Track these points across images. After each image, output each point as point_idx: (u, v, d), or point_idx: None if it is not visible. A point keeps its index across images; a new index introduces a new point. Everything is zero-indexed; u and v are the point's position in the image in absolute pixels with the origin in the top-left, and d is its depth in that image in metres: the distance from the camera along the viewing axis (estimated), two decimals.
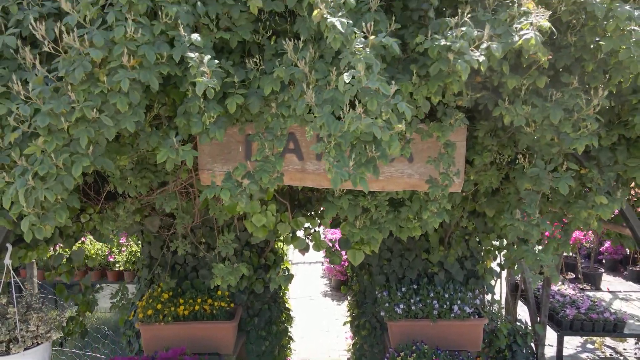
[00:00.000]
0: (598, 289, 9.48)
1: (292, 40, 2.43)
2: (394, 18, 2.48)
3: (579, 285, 8.65)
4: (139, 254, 6.74)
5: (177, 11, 2.14)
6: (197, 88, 1.95)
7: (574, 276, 9.89)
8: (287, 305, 5.47)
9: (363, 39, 1.89)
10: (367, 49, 1.81)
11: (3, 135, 2.13)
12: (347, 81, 1.73)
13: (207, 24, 2.39)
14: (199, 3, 2.32)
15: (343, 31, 1.82)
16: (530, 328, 5.04)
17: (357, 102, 1.82)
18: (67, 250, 3.92)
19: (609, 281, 10.39)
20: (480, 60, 2.08)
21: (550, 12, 2.48)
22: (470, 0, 2.53)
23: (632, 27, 2.27)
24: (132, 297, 4.68)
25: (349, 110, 1.84)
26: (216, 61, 2.10)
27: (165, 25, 2.17)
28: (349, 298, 5.88)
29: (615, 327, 5.87)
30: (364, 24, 1.94)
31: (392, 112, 1.79)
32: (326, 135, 1.99)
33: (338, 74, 2.09)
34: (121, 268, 7.21)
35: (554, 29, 2.15)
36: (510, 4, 2.44)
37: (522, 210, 2.60)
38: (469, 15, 2.29)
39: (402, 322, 4.31)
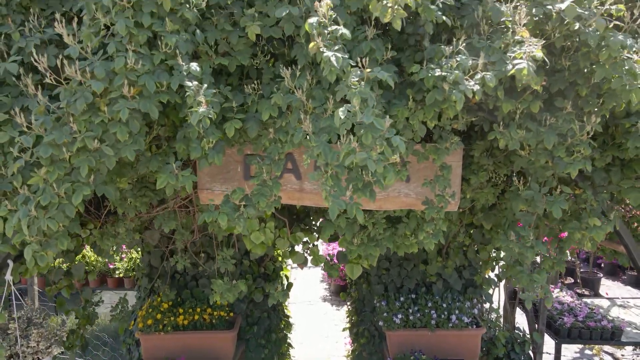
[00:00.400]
0: (597, 294, 9.51)
1: (290, 65, 2.47)
2: (390, 42, 2.52)
3: (578, 290, 8.68)
4: (139, 261, 6.78)
5: (177, 41, 2.17)
6: (193, 118, 1.99)
7: (573, 281, 9.93)
8: (286, 311, 5.51)
9: (359, 72, 1.93)
10: (362, 83, 1.84)
11: (5, 163, 2.17)
12: (343, 117, 1.77)
13: (206, 50, 2.43)
14: (197, 31, 2.36)
15: (338, 66, 1.85)
16: (528, 336, 5.07)
17: (352, 136, 1.85)
18: (66, 265, 3.96)
19: (607, 285, 10.44)
20: (475, 90, 2.11)
21: (545, 39, 2.53)
22: (465, 26, 2.57)
23: (625, 55, 2.30)
24: (132, 307, 4.72)
25: (346, 139, 1.88)
26: (213, 91, 2.14)
27: (165, 55, 2.21)
28: (348, 304, 5.92)
29: (612, 335, 5.91)
30: (359, 58, 1.97)
31: (387, 145, 1.82)
32: (323, 164, 2.03)
33: (335, 103, 2.14)
34: (121, 275, 7.24)
35: (546, 59, 2.18)
36: (505, 30, 2.47)
37: (517, 232, 2.63)
38: (464, 43, 2.33)
39: (401, 332, 4.34)
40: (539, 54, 2.10)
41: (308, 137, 2.13)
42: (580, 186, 2.87)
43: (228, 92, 2.48)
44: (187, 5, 2.26)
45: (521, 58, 2.15)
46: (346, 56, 1.92)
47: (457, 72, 2.03)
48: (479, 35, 2.48)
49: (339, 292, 9.88)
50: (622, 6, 2.46)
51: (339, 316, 8.89)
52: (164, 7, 2.15)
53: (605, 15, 2.46)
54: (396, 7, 1.77)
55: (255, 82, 2.58)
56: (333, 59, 1.85)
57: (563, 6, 2.29)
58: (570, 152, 2.50)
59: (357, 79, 1.84)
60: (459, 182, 2.98)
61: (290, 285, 4.95)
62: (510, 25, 2.46)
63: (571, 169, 2.44)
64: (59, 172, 2.03)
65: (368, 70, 1.89)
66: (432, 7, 2.09)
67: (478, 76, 2.10)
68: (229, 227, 2.43)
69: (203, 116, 1.99)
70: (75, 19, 2.50)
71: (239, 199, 2.42)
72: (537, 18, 2.44)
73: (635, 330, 7.13)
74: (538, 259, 3.18)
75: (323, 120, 2.14)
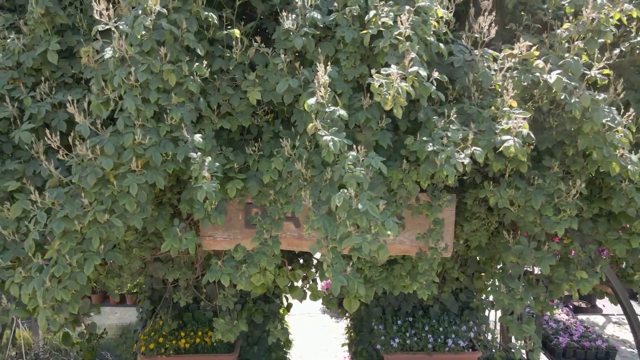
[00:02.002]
0: (594, 305, 9.62)
1: (289, 122, 2.58)
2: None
3: (575, 303, 8.78)
4: (142, 281, 6.88)
5: (182, 114, 2.29)
6: (199, 195, 2.10)
7: (569, 294, 10.01)
8: (285, 326, 5.60)
9: (354, 154, 2.04)
10: (359, 168, 1.95)
11: (18, 229, 2.28)
12: (339, 204, 1.88)
13: (209, 114, 2.54)
14: (201, 99, 2.47)
15: (336, 150, 1.97)
16: (524, 356, 5.18)
17: (347, 221, 1.97)
18: None
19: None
20: (466, 162, 2.23)
21: (532, 103, 2.64)
22: (457, 87, 2.68)
23: (608, 124, 2.41)
24: (134, 327, 4.82)
25: (341, 221, 2.00)
26: (217, 164, 2.25)
27: (170, 127, 2.32)
28: (346, 318, 6.00)
29: (607, 355, 6.03)
30: (355, 146, 2.08)
31: (381, 226, 1.94)
32: (323, 238, 2.14)
33: (333, 172, 2.25)
34: (123, 291, 7.35)
35: (532, 135, 2.30)
36: (494, 95, 2.59)
37: (506, 284, 2.75)
38: (455, 108, 2.44)
39: (398, 355, 4.45)
40: (525, 130, 2.22)
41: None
42: (568, 236, 2.99)
43: (230, 153, 2.59)
44: (192, 77, 2.37)
45: (509, 131, 2.27)
46: (343, 138, 2.03)
47: (448, 149, 2.14)
48: (470, 99, 2.60)
49: (339, 303, 9.98)
50: (607, 71, 2.57)
51: (338, 329, 9.00)
52: (169, 82, 2.26)
53: (591, 82, 2.58)
54: (397, 95, 1.88)
55: (256, 141, 2.69)
56: (331, 143, 1.97)
57: (551, 79, 2.40)
58: (558, 210, 2.61)
59: (352, 164, 1.95)
60: (452, 230, 3.09)
61: (290, 305, 5.04)
62: (500, 90, 2.58)
63: (558, 228, 2.56)
64: (71, 244, 2.15)
65: (363, 157, 2.00)
66: (427, 84, 2.20)
67: (468, 151, 2.22)
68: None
69: (208, 191, 2.10)
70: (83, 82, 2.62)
71: (241, 257, 2.53)
72: (525, 83, 2.55)
73: (629, 349, 7.26)
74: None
75: (323, 190, 2.25)
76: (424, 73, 2.05)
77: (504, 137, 2.23)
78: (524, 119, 2.28)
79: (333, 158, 2.02)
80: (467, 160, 2.23)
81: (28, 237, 2.14)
